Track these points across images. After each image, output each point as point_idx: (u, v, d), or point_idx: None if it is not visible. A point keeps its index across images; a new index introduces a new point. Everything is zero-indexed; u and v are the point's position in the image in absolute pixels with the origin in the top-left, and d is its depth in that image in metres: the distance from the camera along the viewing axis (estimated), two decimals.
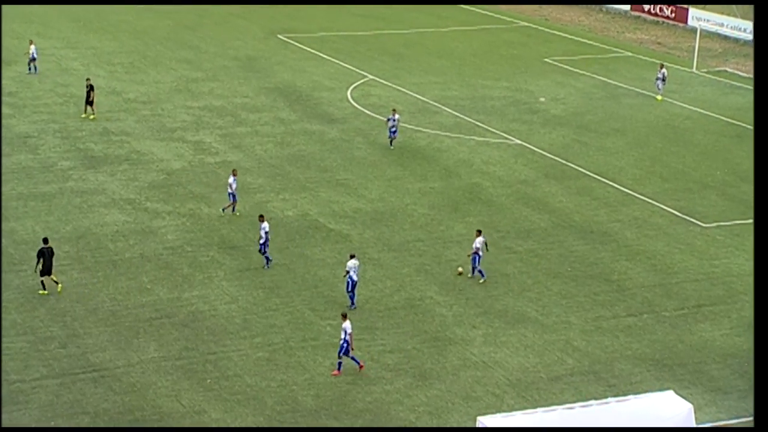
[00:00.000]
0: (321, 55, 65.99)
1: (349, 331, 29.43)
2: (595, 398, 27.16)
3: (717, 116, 56.36)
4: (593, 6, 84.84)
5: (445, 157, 48.02)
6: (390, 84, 59.82)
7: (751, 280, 36.16)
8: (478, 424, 24.47)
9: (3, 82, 56.66)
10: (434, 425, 27.83)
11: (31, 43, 59.45)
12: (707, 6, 77.52)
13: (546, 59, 67.55)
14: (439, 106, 56.09)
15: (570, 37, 74.93)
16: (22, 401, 28.00)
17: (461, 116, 54.44)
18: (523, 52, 69.57)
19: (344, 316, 29.70)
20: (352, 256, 33.56)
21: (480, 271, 35.66)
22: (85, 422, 27.24)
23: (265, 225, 35.60)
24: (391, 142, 48.54)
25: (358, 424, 27.75)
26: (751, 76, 61.13)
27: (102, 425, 27.17)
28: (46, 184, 42.80)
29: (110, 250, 37.06)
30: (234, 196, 40.20)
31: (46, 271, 33.40)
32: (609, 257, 38.22)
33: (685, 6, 78.45)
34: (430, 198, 43.14)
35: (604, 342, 32.30)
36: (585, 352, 31.64)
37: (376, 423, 27.79)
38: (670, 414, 25.06)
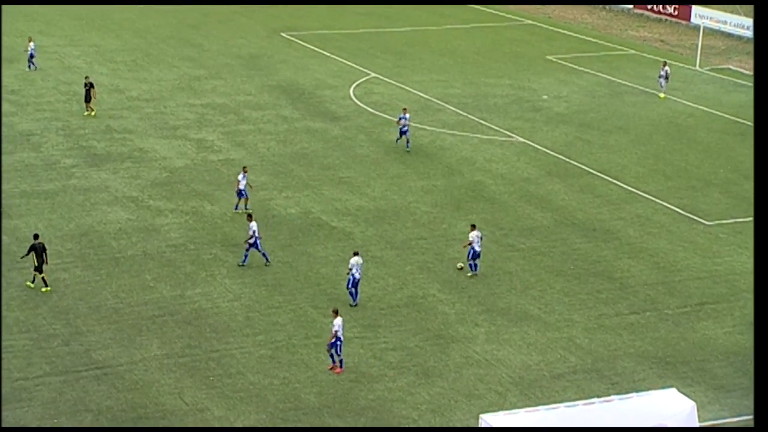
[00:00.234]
0: (324, 53, 65.99)
1: (336, 327, 29.40)
2: (598, 396, 27.18)
3: (720, 114, 56.31)
4: (596, 4, 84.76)
5: (447, 155, 48.02)
6: (393, 82, 59.81)
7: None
8: (481, 422, 24.46)
9: (6, 80, 56.71)
10: (437, 423, 27.83)
11: (30, 40, 59.56)
12: (710, 4, 77.42)
13: (549, 57, 67.51)
14: (442, 103, 56.08)
15: (573, 34, 74.88)
16: (25, 399, 28.04)
17: (464, 114, 54.42)
18: (526, 50, 69.54)
19: (335, 313, 29.71)
20: (355, 254, 33.58)
21: (472, 266, 35.71)
22: (88, 420, 27.27)
23: (253, 225, 35.54)
24: (407, 142, 47.58)
25: (361, 421, 27.76)
26: None
27: (105, 423, 27.19)
28: (49, 182, 42.83)
29: (113, 247, 37.09)
30: (242, 192, 40.24)
31: (39, 267, 33.44)
32: (612, 255, 38.21)
33: (689, 4, 78.35)
34: (433, 196, 43.14)
35: (606, 340, 32.29)
36: (588, 350, 31.63)
37: (378, 421, 27.80)
38: (672, 412, 25.05)
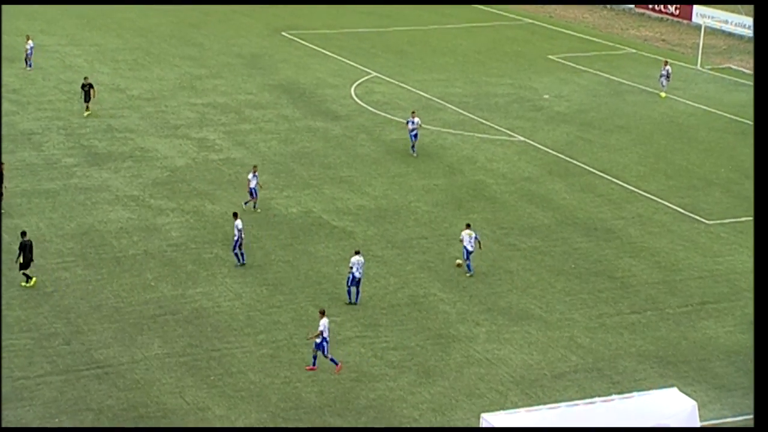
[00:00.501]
0: (325, 52, 65.98)
1: (321, 328, 29.38)
2: (599, 395, 27.17)
3: (721, 113, 56.28)
4: (598, 3, 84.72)
5: (448, 154, 48.01)
6: (394, 81, 59.81)
7: None
8: (482, 422, 24.45)
9: (7, 79, 56.71)
10: (438, 422, 27.83)
11: (27, 38, 59.63)
12: (712, 3, 77.38)
13: (550, 56, 67.49)
14: (443, 103, 56.07)
15: (574, 34, 74.86)
16: (27, 398, 28.04)
17: (465, 113, 54.41)
18: (527, 49, 69.52)
19: (322, 313, 29.70)
20: (356, 252, 33.60)
21: (469, 266, 35.85)
22: (89, 419, 27.28)
23: (239, 222, 35.48)
24: (413, 147, 47.15)
25: (362, 421, 27.76)
26: None
27: (106, 422, 27.20)
28: (50, 181, 42.83)
29: (114, 246, 37.09)
30: (253, 191, 40.25)
31: (26, 264, 33.49)
32: (613, 254, 38.20)
33: (690, 3, 78.31)
34: (434, 195, 43.13)
35: (607, 339, 32.28)
36: (589, 349, 31.62)
37: (379, 420, 27.80)
38: (673, 411, 25.03)
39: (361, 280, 33.65)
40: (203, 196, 42.00)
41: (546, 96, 58.14)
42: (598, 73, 63.60)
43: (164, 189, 42.62)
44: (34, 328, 31.52)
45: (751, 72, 63.62)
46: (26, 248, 33.60)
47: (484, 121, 53.16)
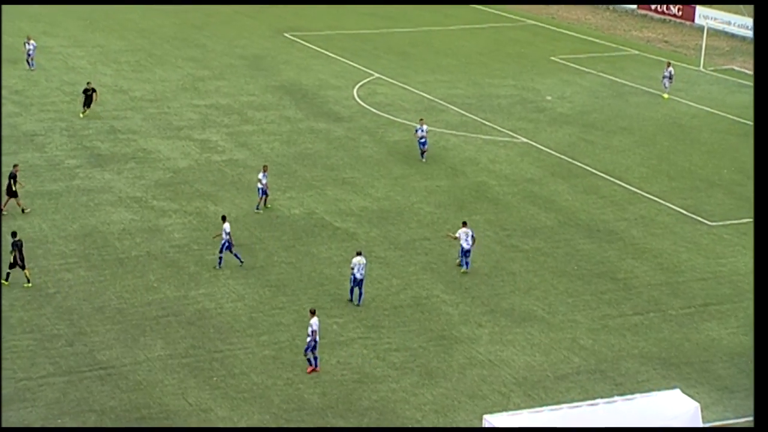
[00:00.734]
0: (327, 53, 66.00)
1: (314, 328, 29.37)
2: (602, 397, 27.16)
3: (724, 114, 56.25)
4: (600, 4, 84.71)
5: (451, 156, 48.00)
6: (396, 82, 59.81)
7: None
8: (485, 423, 24.45)
9: (10, 80, 56.78)
10: (440, 424, 27.82)
11: (28, 38, 59.76)
12: (714, 4, 77.35)
13: (552, 57, 67.48)
14: (446, 104, 56.07)
15: (577, 35, 74.85)
16: (29, 399, 28.06)
17: (467, 115, 54.40)
18: (530, 50, 69.51)
19: (312, 313, 29.68)
20: (358, 253, 33.62)
21: (463, 262, 36.13)
22: (92, 420, 27.29)
23: (227, 226, 35.45)
24: (422, 154, 46.53)
25: (365, 422, 27.75)
26: None
27: (108, 423, 27.21)
28: (53, 183, 42.86)
29: (117, 248, 37.11)
30: (264, 190, 40.30)
31: (20, 263, 33.54)
32: (615, 256, 38.18)
33: (693, 4, 78.28)
34: (437, 196, 43.13)
35: (610, 340, 32.26)
36: (591, 351, 31.61)
37: (382, 421, 27.80)
38: (676, 413, 25.03)
39: (363, 281, 33.64)
40: (206, 198, 42.01)
41: (549, 97, 58.12)
42: (600, 74, 63.58)
43: (167, 190, 42.64)
44: (36, 329, 31.54)
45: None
46: (16, 247, 33.64)
47: (486, 123, 53.15)
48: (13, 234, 34.36)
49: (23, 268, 33.86)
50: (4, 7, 73.74)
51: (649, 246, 39.14)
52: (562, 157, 48.53)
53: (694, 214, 42.48)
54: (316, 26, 73.75)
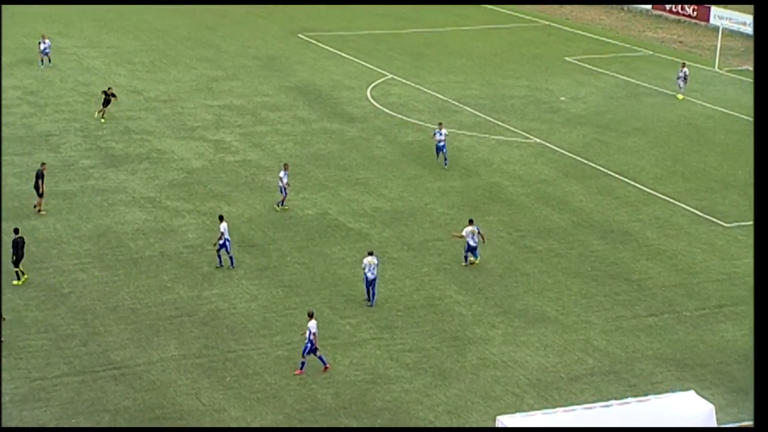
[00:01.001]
0: (341, 54, 66.03)
1: (313, 330, 29.36)
2: (616, 398, 27.04)
3: (739, 115, 56.01)
4: (614, 5, 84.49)
5: (464, 156, 47.95)
6: (410, 83, 59.79)
7: None
8: (498, 424, 24.41)
9: (25, 81, 57.07)
10: (453, 425, 27.78)
11: (44, 36, 60.14)
12: (729, 4, 77.06)
13: (567, 58, 67.35)
14: (459, 105, 56.01)
15: (591, 36, 74.68)
16: (44, 398, 28.15)
17: (481, 115, 54.34)
18: (544, 51, 69.39)
19: (310, 315, 29.68)
20: (369, 254, 33.62)
21: (466, 257, 36.43)
22: (106, 420, 27.36)
23: (224, 226, 35.42)
24: (444, 160, 45.72)
25: (378, 423, 27.74)
26: None
27: (122, 423, 27.28)
28: (67, 183, 43.00)
29: (131, 248, 37.20)
30: (283, 189, 40.35)
31: (18, 261, 33.63)
32: (629, 257, 38.06)
33: (707, 4, 78.01)
34: (450, 197, 43.08)
35: (624, 342, 32.16)
36: (605, 352, 31.52)
37: (395, 422, 27.78)
38: (691, 414, 24.91)
39: (376, 281, 33.63)
40: (219, 198, 42.07)
41: (563, 98, 58.00)
42: (615, 75, 63.41)
43: (180, 191, 42.72)
44: (51, 329, 31.64)
45: None
46: (17, 245, 33.75)
47: (500, 123, 53.07)
48: (16, 230, 34.43)
49: (17, 264, 33.92)
50: (20, 8, 74.19)
51: (664, 247, 39.01)
52: (576, 157, 48.41)
53: (708, 215, 42.32)
54: (330, 27, 73.80)
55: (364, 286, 33.76)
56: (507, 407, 28.17)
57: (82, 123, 50.69)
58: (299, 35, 70.92)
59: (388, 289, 34.78)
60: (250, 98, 55.87)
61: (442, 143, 45.81)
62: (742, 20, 75.12)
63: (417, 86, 59.17)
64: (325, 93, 57.29)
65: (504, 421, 24.26)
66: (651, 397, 26.04)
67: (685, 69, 58.75)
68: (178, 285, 34.63)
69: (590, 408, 24.99)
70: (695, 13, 78.97)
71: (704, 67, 65.80)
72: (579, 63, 66.12)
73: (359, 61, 64.41)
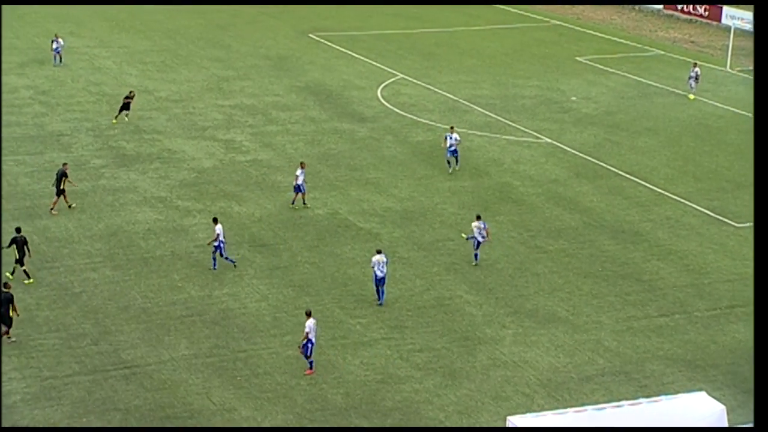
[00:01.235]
0: (352, 54, 66.05)
1: (307, 329, 29.33)
2: (627, 399, 27.00)
3: (750, 115, 55.78)
4: (626, 4, 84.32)
5: (475, 156, 47.90)
6: (420, 83, 59.77)
7: None
8: (508, 424, 24.38)
9: (36, 80, 57.26)
10: (464, 425, 27.76)
11: (56, 36, 60.45)
12: (741, 4, 76.82)
13: (578, 58, 67.24)
14: (470, 105, 55.97)
15: (602, 35, 74.54)
16: (55, 397, 28.22)
17: (492, 115, 54.29)
18: (555, 50, 69.29)
19: (308, 314, 29.67)
20: (378, 252, 33.62)
21: (475, 255, 36.49)
22: (117, 419, 27.42)
23: (218, 228, 35.38)
24: (456, 161, 45.22)
25: (388, 423, 27.74)
26: None
27: (133, 422, 27.33)
28: (78, 182, 43.06)
29: (141, 247, 37.27)
30: (300, 187, 40.42)
31: (20, 260, 33.77)
32: (640, 257, 37.97)
33: (719, 4, 77.79)
34: (460, 197, 43.05)
35: (635, 342, 32.09)
36: (616, 353, 31.45)
37: (405, 422, 27.77)
38: (702, 415, 24.85)
39: (385, 280, 33.61)
40: (230, 198, 42.13)
41: (573, 98, 57.91)
42: (626, 74, 63.28)
43: (191, 190, 42.79)
44: (62, 328, 31.73)
45: None
46: (18, 243, 33.84)
47: (511, 123, 53.02)
48: (17, 230, 34.50)
49: (17, 263, 33.98)
50: (32, 8, 74.46)
51: (675, 247, 38.91)
52: (587, 157, 48.33)
53: (720, 215, 42.20)
54: (341, 27, 73.82)
55: (374, 285, 33.77)
56: (517, 407, 28.14)
57: (93, 123, 50.81)
58: (310, 35, 70.97)
59: (399, 288, 34.78)
60: (261, 98, 55.93)
61: (453, 148, 45.16)
62: None
63: (428, 86, 59.15)
64: (335, 93, 57.31)
65: (514, 421, 24.23)
66: (662, 397, 25.99)
67: (697, 69, 58.60)
68: (188, 284, 34.69)
69: (601, 408, 24.94)
70: (707, 12, 78.75)
71: (716, 66, 65.62)
72: (590, 63, 66.01)
73: (370, 60, 64.42)
